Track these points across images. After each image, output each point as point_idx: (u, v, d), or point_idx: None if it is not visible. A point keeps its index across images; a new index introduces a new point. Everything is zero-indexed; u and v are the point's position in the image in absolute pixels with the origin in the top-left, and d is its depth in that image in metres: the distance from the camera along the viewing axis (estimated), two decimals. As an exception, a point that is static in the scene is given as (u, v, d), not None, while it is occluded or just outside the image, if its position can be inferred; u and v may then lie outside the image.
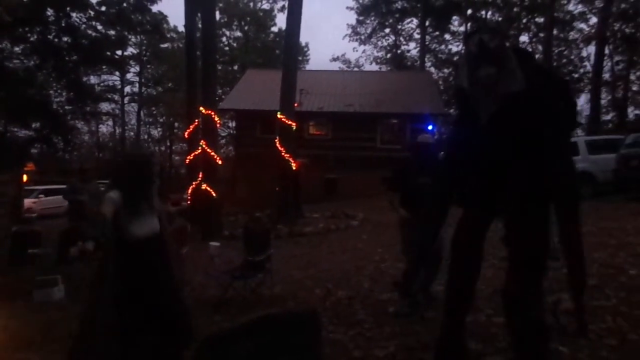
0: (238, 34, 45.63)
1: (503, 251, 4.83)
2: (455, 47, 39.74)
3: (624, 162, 11.08)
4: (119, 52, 40.52)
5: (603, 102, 28.69)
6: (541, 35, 33.01)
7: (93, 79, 38.73)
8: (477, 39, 2.60)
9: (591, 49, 28.79)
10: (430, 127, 22.96)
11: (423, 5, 37.12)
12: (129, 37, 40.51)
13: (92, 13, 33.68)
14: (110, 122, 46.38)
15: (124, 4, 36.29)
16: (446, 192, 3.04)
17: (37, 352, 4.01)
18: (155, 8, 38.17)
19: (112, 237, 2.98)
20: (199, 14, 14.20)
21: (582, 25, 31.76)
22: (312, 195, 18.54)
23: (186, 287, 5.98)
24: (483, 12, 36.48)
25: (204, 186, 12.12)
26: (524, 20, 34.77)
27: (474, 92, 2.68)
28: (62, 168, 29.87)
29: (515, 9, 34.46)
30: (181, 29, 35.83)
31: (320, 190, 21.37)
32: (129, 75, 44.80)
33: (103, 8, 34.78)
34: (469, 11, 36.77)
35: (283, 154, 13.39)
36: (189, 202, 13.35)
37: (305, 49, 45.32)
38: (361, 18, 41.85)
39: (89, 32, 33.87)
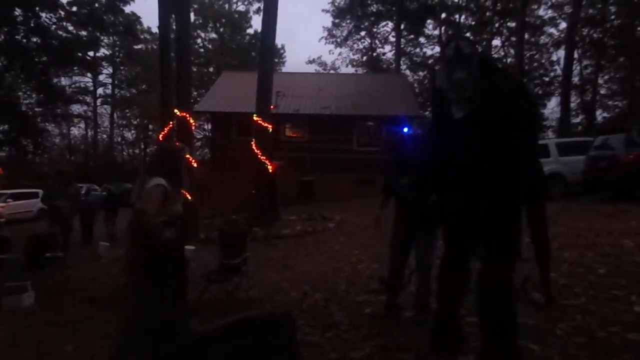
0: (213, 35, 45.34)
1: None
2: (430, 50, 40.37)
3: (593, 163, 11.36)
4: (90, 53, 39.81)
5: (572, 105, 29.43)
6: (513, 39, 33.71)
7: (64, 81, 37.97)
8: (454, 45, 2.79)
9: (561, 53, 29.54)
10: (405, 130, 23.23)
11: (398, 9, 37.51)
12: (101, 38, 39.86)
13: (62, 13, 32.96)
14: (82, 125, 45.48)
15: (96, 5, 35.69)
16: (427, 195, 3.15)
17: (3, 360, 3.90)
18: (128, 9, 37.76)
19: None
20: (173, 15, 14.03)
21: (552, 30, 32.64)
22: (288, 197, 18.51)
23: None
24: (457, 16, 37.08)
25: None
26: (497, 25, 35.48)
27: (449, 94, 2.80)
28: (31, 172, 29.13)
29: (487, 14, 35.14)
30: (155, 30, 35.47)
31: (296, 192, 21.34)
32: (101, 77, 44.07)
33: (74, 8, 34.12)
34: (443, 15, 37.32)
35: (259, 156, 13.32)
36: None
37: (282, 51, 45.33)
38: (337, 21, 42.08)
39: (60, 32, 33.07)
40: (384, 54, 43.51)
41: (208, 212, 16.00)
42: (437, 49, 38.73)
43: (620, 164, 10.26)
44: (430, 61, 40.22)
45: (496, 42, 36.63)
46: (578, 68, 31.00)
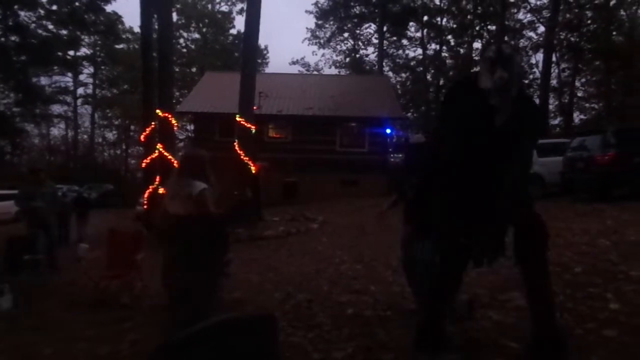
0: (196, 35, 45.04)
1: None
2: (412, 52, 40.63)
3: (570, 164, 11.59)
4: (71, 53, 39.26)
5: (551, 107, 29.98)
6: (493, 42, 34.11)
7: (43, 80, 37.23)
8: (495, 47, 2.90)
9: (540, 56, 30.01)
10: (388, 131, 23.41)
11: (381, 11, 37.76)
12: (82, 37, 39.24)
13: (42, 12, 32.49)
14: (62, 125, 44.75)
15: (77, 3, 35.11)
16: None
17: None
18: (109, 8, 37.19)
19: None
20: (155, 15, 13.92)
21: (531, 34, 33.10)
22: (272, 198, 18.48)
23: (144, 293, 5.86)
24: (439, 19, 37.45)
25: (161, 190, 11.87)
26: (477, 28, 35.92)
27: (492, 97, 2.85)
28: (10, 173, 28.56)
29: (469, 17, 35.57)
30: (137, 29, 35.05)
31: (280, 193, 21.32)
32: (82, 77, 43.39)
33: (54, 7, 33.57)
34: (425, 18, 37.65)
35: (242, 157, 13.29)
36: (145, 207, 13.06)
37: (265, 52, 45.21)
38: (320, 22, 42.14)
39: (39, 31, 32.58)
40: (366, 55, 43.78)
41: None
42: (420, 51, 39.12)
43: (596, 165, 10.49)
44: (412, 63, 40.53)
45: (477, 45, 37.08)
46: (556, 71, 31.57)
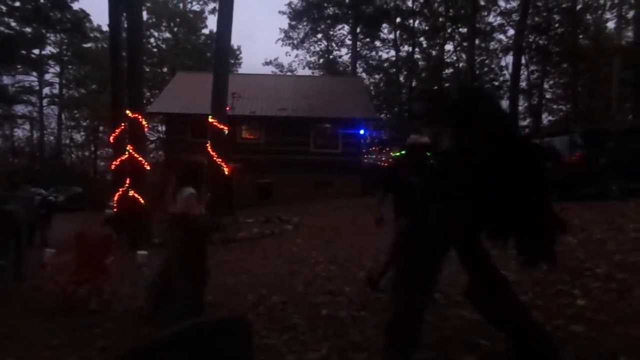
0: (167, 35, 44.36)
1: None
2: (385, 53, 40.96)
3: (539, 165, 11.83)
4: (36, 51, 38.04)
5: (520, 108, 30.68)
6: (465, 44, 34.72)
7: (6, 80, 36.06)
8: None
9: (509, 58, 30.65)
10: (362, 132, 23.54)
11: (354, 12, 37.95)
12: (47, 35, 38.13)
13: (4, 8, 31.41)
14: (27, 126, 43.41)
15: (41, 0, 34.15)
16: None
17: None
18: (76, 5, 36.28)
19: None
20: (125, 13, 13.64)
21: (501, 37, 33.81)
22: (245, 200, 18.34)
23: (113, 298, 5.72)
24: (411, 21, 37.86)
25: (131, 193, 11.65)
26: (449, 30, 36.47)
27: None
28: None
29: (440, 19, 36.07)
30: (105, 28, 34.32)
31: (253, 194, 21.19)
32: (48, 76, 42.10)
33: (17, 3, 32.51)
34: (398, 19, 38.02)
35: (215, 158, 13.15)
36: (115, 210, 12.79)
37: (238, 52, 44.88)
38: (294, 23, 42.08)
39: (1, 28, 31.53)
40: (340, 56, 43.92)
41: (163, 217, 15.63)
42: (393, 52, 39.47)
43: (563, 165, 10.74)
44: (385, 64, 40.87)
45: (449, 47, 37.72)
46: (525, 73, 32.30)
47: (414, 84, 39.07)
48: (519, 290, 4.48)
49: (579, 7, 28.12)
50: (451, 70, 38.36)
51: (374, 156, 26.24)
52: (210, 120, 13.54)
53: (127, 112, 12.32)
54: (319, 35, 43.37)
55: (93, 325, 4.70)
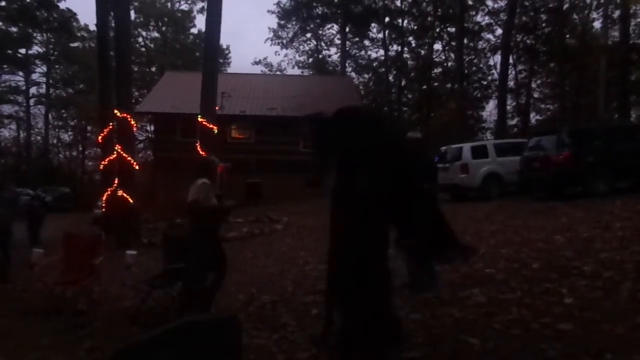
0: (155, 34, 43.99)
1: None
2: (375, 53, 41.02)
3: (527, 164, 11.96)
4: (22, 51, 37.59)
5: (508, 107, 30.77)
6: (453, 44, 34.90)
7: (-7, 79, 35.66)
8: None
9: (497, 58, 30.82)
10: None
11: (343, 12, 37.92)
12: (34, 34, 37.69)
13: (-10, 8, 31.07)
14: (13, 126, 42.84)
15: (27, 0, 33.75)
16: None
17: None
18: (63, 5, 36.01)
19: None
20: (112, 13, 13.52)
21: (489, 36, 34.00)
22: (235, 199, 18.22)
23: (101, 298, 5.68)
24: (400, 20, 37.96)
25: (119, 193, 11.56)
26: (438, 30, 36.60)
27: None
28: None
29: (429, 19, 36.19)
30: (93, 27, 33.93)
31: (243, 194, 21.11)
32: (34, 76, 41.47)
33: (3, 3, 32.12)
34: (387, 19, 38.10)
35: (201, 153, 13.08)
36: (103, 210, 12.69)
37: (227, 52, 44.65)
38: (282, 22, 41.95)
39: (-13, 28, 31.17)
40: (329, 56, 43.84)
41: (152, 217, 15.54)
42: (382, 52, 39.55)
43: (551, 164, 10.85)
44: (375, 64, 40.95)
45: (437, 46, 37.84)
46: (513, 72, 32.53)
47: (403, 83, 39.19)
48: (506, 289, 4.54)
49: (565, 6, 28.38)
50: (440, 69, 38.55)
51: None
52: (199, 119, 13.48)
53: (116, 111, 12.23)
54: (308, 35, 43.29)
55: (81, 325, 4.66)
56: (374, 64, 41.08)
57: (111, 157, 12.64)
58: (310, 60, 43.88)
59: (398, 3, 37.35)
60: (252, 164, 21.23)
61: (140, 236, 11.45)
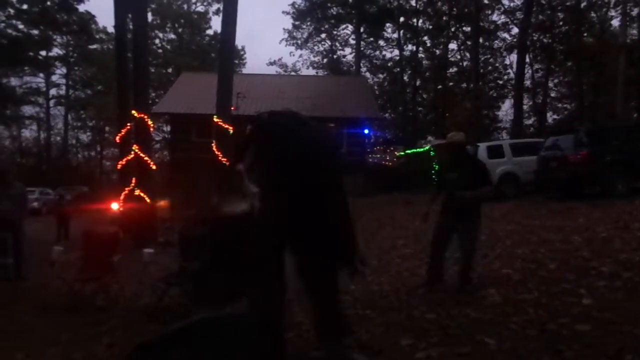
0: (172, 36, 44.49)
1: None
2: (389, 53, 40.88)
3: (544, 163, 11.81)
4: (43, 53, 38.27)
5: (525, 107, 30.42)
6: (469, 43, 34.63)
7: (14, 81, 36.35)
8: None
9: (514, 57, 30.46)
10: (366, 131, 23.52)
11: (357, 12, 37.86)
12: (54, 37, 38.38)
13: (12, 11, 31.68)
14: (34, 127, 43.66)
15: (48, 3, 34.32)
16: None
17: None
18: (82, 7, 36.45)
19: None
20: (130, 15, 13.71)
21: (505, 35, 33.64)
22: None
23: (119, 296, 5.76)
24: (415, 20, 37.77)
25: (137, 192, 11.71)
26: (453, 29, 36.35)
27: None
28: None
29: (444, 18, 35.96)
30: (111, 29, 34.40)
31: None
32: (54, 77, 42.31)
33: (24, 6, 32.74)
34: (402, 19, 37.93)
35: (220, 158, 13.19)
36: (121, 209, 12.86)
37: (242, 53, 44.91)
38: (297, 23, 42.04)
39: (9, 31, 31.72)
40: (344, 56, 43.80)
41: (168, 215, 15.71)
42: (396, 52, 39.41)
43: (569, 164, 10.71)
44: (389, 64, 40.80)
45: (453, 46, 37.58)
46: (530, 72, 32.12)
47: (417, 83, 38.98)
48: (523, 289, 4.49)
49: (583, 4, 27.95)
50: (455, 69, 38.27)
51: (378, 155, 26.22)
52: (215, 120, 13.59)
53: (133, 112, 12.39)
54: (323, 35, 43.32)
55: (100, 322, 4.73)
56: (389, 64, 40.95)
57: (129, 157, 12.80)
58: (325, 60, 43.90)
59: (413, 3, 37.19)
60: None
61: (156, 234, 11.59)
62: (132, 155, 12.35)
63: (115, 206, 13.43)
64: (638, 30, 23.28)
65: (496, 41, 34.57)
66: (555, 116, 34.72)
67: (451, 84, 37.79)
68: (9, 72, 33.72)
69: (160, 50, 43.09)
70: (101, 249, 5.91)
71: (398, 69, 39.24)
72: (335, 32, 42.84)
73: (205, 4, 43.76)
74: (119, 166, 14.14)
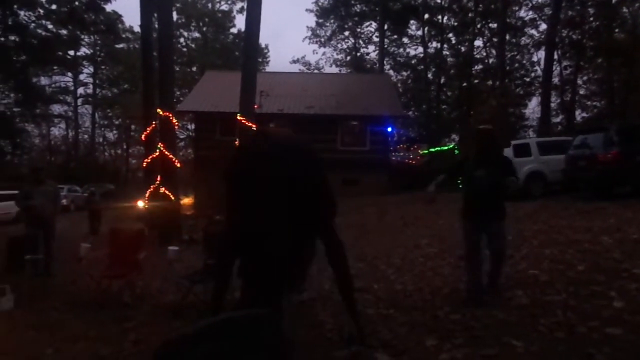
0: (196, 35, 45.03)
1: (461, 250, 4.99)
2: (413, 50, 40.57)
3: (572, 162, 11.55)
4: (71, 52, 39.21)
5: (552, 105, 29.81)
6: (495, 40, 34.09)
7: (44, 80, 37.23)
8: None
9: (541, 54, 29.86)
10: (389, 129, 23.38)
11: (381, 9, 37.65)
12: (82, 36, 39.21)
13: (41, 11, 32.43)
14: (62, 125, 44.75)
15: (76, 3, 35.07)
16: None
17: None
18: (109, 7, 37.24)
19: None
20: (156, 14, 13.90)
21: (533, 31, 33.01)
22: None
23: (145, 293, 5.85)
24: (440, 17, 37.37)
25: (162, 190, 11.87)
26: (479, 26, 35.84)
27: None
28: (10, 173, 28.54)
29: (470, 15, 35.48)
30: (137, 29, 35.05)
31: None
32: (82, 76, 43.29)
33: (53, 6, 33.52)
34: (426, 16, 37.58)
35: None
36: (146, 207, 13.07)
37: (265, 51, 45.21)
38: (321, 21, 42.09)
39: (39, 31, 32.53)
40: (367, 53, 43.67)
41: (192, 213, 15.91)
42: (421, 49, 39.08)
43: (598, 163, 10.45)
44: (413, 61, 40.47)
45: (478, 42, 37.05)
46: (558, 69, 31.43)
47: (442, 80, 38.58)
48: (551, 290, 4.39)
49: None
50: (480, 66, 37.72)
51: (402, 154, 26.04)
52: (238, 118, 13.67)
53: (158, 110, 12.56)
54: (346, 33, 43.26)
55: (126, 318, 4.82)
56: (413, 62, 40.65)
57: (154, 155, 12.99)
58: (348, 58, 43.84)
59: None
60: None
61: (181, 232, 11.74)
62: (157, 153, 12.53)
63: (140, 204, 13.67)
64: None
65: (523, 38, 33.98)
66: (584, 114, 33.89)
67: (476, 81, 37.27)
68: (38, 71, 34.57)
69: (185, 49, 43.65)
70: (127, 246, 6.02)
71: (422, 67, 38.93)
72: (358, 30, 42.77)
73: (229, 2, 44.24)
74: (144, 164, 14.36)
